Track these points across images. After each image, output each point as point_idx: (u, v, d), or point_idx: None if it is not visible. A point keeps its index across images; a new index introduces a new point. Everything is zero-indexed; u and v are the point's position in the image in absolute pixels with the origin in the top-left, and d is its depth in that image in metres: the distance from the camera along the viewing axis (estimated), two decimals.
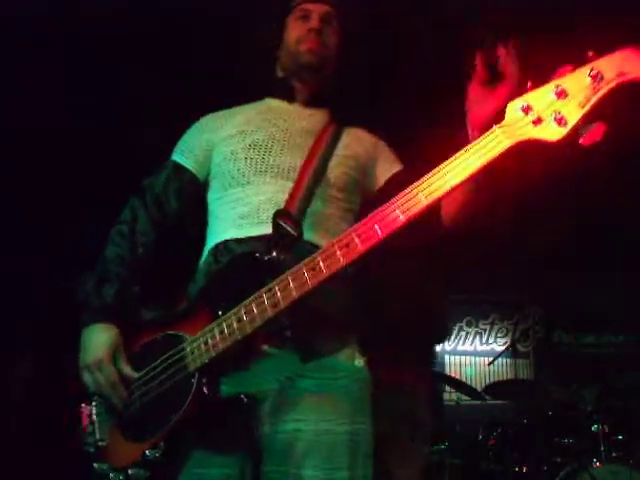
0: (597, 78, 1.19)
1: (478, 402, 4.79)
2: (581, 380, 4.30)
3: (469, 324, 7.44)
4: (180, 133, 1.83)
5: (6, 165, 3.64)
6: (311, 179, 1.62)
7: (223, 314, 1.44)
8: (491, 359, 5.80)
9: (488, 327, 7.40)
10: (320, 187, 1.63)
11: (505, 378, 6.26)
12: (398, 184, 1.64)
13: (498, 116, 1.33)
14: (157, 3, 3.15)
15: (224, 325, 1.42)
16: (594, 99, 1.19)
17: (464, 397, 4.65)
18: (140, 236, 1.70)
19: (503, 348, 6.15)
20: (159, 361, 1.52)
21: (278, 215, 1.52)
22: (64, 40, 3.26)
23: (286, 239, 1.49)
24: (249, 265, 1.48)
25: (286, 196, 1.59)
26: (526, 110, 1.25)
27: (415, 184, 1.30)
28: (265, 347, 1.48)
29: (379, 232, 1.30)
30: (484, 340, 7.39)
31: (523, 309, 7.05)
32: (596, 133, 1.20)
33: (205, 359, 1.44)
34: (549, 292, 6.46)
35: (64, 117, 3.59)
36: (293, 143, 1.69)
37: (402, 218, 1.29)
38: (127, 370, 1.55)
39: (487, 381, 6.82)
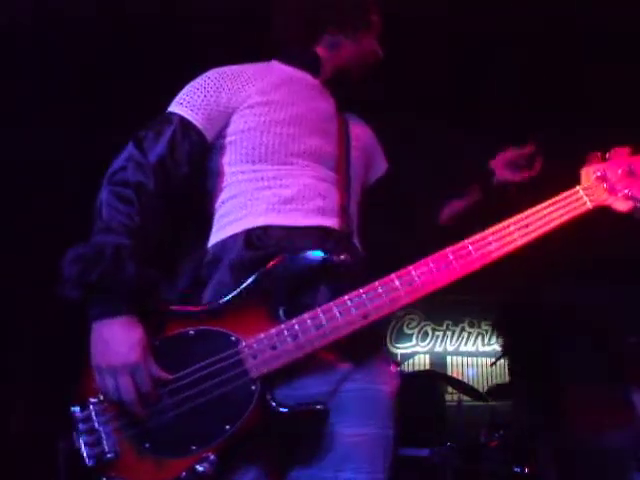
0: None
1: (480, 403, 4.78)
2: None
3: (471, 325, 7.43)
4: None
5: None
6: (346, 171, 1.58)
7: (286, 316, 1.33)
8: (493, 360, 5.79)
9: (490, 328, 7.38)
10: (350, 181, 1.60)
11: (507, 379, 6.24)
12: (385, 186, 1.77)
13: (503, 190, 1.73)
14: None
15: (297, 329, 1.31)
16: None
17: (466, 398, 4.64)
18: (150, 205, 1.41)
19: None
20: (205, 363, 1.31)
21: (343, 210, 1.48)
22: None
23: (346, 238, 1.45)
24: (317, 265, 1.35)
25: (326, 185, 1.53)
26: (602, 179, 1.48)
27: (490, 231, 1.42)
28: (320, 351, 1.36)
29: (477, 263, 1.40)
30: (486, 341, 7.38)
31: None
32: None
33: (274, 366, 1.30)
34: (551, 294, 6.44)
35: None
36: (322, 127, 1.59)
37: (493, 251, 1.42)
38: (160, 373, 1.31)
39: (489, 382, 6.82)
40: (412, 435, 3.74)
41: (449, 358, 7.31)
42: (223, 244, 1.46)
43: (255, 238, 1.43)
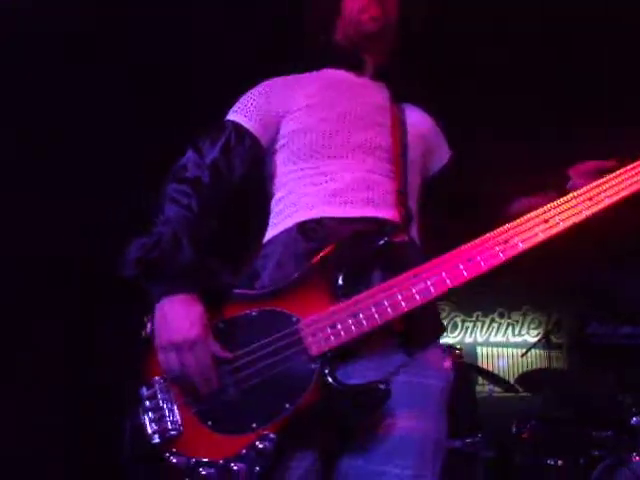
0: None
1: (511, 394, 4.74)
2: (617, 372, 4.22)
3: (501, 315, 7.36)
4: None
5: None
6: (403, 161, 1.58)
7: (344, 295, 1.36)
8: (524, 350, 5.73)
9: (521, 318, 7.31)
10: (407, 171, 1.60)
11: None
12: (451, 172, 1.75)
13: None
14: None
15: (356, 308, 1.33)
16: None
17: (497, 389, 4.61)
18: (207, 197, 1.50)
19: (536, 339, 6.06)
20: (265, 342, 1.35)
21: (399, 201, 1.51)
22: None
23: (401, 229, 1.47)
24: (376, 246, 1.39)
25: (377, 177, 1.54)
26: None
27: (550, 205, 1.39)
28: (375, 336, 1.37)
29: (541, 235, 1.36)
30: (516, 331, 7.31)
31: (557, 300, 6.94)
32: None
33: (333, 343, 1.33)
34: (584, 283, 6.35)
35: None
36: (374, 120, 1.61)
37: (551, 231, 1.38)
38: (220, 352, 1.36)
39: (520, 373, 6.76)
40: None
41: (479, 349, 7.26)
42: (276, 239, 1.53)
43: (309, 230, 1.48)
